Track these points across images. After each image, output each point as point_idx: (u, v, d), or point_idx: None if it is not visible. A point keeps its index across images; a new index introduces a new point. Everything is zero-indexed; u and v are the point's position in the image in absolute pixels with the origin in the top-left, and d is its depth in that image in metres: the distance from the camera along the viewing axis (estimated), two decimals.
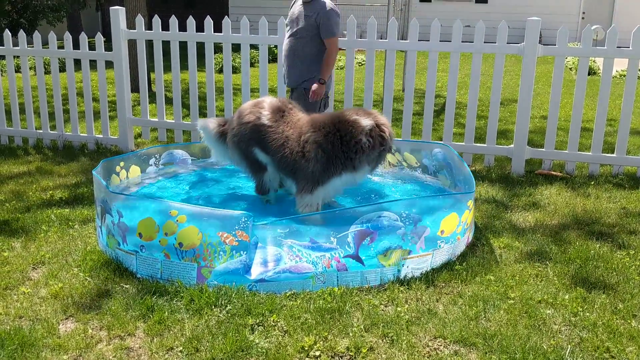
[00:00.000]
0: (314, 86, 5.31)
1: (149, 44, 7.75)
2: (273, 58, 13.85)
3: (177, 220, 3.70)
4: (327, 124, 4.35)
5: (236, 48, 6.68)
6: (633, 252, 4.21)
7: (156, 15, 6.84)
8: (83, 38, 6.84)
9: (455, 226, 3.99)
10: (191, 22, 6.61)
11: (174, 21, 6.65)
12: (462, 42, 6.02)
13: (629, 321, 3.33)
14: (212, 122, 5.00)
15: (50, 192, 5.48)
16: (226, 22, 6.54)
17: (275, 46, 6.70)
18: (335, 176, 4.34)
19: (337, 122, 4.34)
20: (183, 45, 6.83)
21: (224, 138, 4.92)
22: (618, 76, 12.33)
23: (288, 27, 5.59)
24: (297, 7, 5.48)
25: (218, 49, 7.67)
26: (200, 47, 6.78)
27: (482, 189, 5.55)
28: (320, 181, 4.35)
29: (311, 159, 4.31)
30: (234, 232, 3.66)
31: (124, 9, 6.91)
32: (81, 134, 7.17)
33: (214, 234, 3.66)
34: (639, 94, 9.64)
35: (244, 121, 4.67)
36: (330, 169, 4.31)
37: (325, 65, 5.36)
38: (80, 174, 6.08)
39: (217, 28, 6.60)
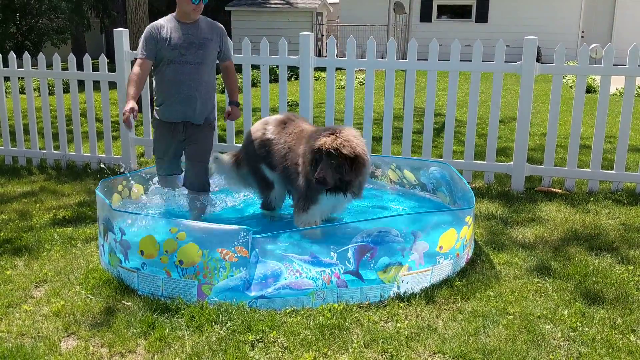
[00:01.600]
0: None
1: None
2: (274, 78, 14.01)
3: (177, 238, 3.74)
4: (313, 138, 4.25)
5: (238, 69, 6.76)
6: (632, 267, 4.23)
7: None
8: (87, 59, 6.94)
9: (453, 242, 4.01)
10: None
11: None
12: (460, 61, 6.10)
13: (628, 336, 3.34)
14: (226, 155, 5.06)
15: (54, 211, 5.53)
16: (229, 43, 6.62)
17: (277, 66, 6.77)
18: (322, 194, 4.25)
19: (311, 137, 4.24)
20: None
21: (238, 165, 4.96)
22: (618, 94, 12.41)
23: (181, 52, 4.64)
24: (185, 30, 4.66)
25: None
26: None
27: (482, 205, 5.58)
28: (311, 199, 4.28)
29: (300, 173, 4.34)
30: (233, 248, 3.70)
31: (127, 30, 7.02)
32: (84, 154, 7.24)
33: (214, 251, 3.70)
34: (638, 111, 9.71)
35: (251, 138, 4.76)
36: (314, 187, 4.18)
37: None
38: (83, 194, 6.13)
39: None
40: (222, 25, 5.00)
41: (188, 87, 4.66)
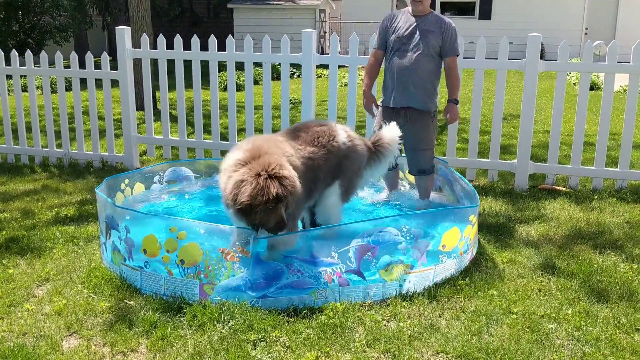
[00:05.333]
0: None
1: (155, 63, 7.84)
2: (277, 76, 13.96)
3: (177, 237, 3.73)
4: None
5: (241, 66, 6.75)
6: (636, 266, 4.20)
7: (161, 35, 6.92)
8: (89, 57, 6.93)
9: (457, 241, 3.99)
10: (195, 40, 6.69)
11: (178, 40, 6.74)
12: (464, 58, 6.06)
13: (632, 335, 3.32)
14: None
15: (56, 209, 5.53)
16: (230, 40, 6.62)
17: (279, 64, 6.75)
18: None
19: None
20: (189, 64, 6.89)
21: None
22: (622, 91, 12.34)
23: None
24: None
25: (223, 67, 7.76)
26: (206, 65, 6.85)
27: (485, 203, 5.55)
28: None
29: None
30: (234, 248, 3.69)
31: (129, 28, 7.01)
32: (87, 152, 7.24)
33: (215, 250, 3.69)
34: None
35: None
36: None
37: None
38: (85, 192, 6.12)
39: (222, 47, 6.67)
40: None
41: None
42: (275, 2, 22.68)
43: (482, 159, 6.35)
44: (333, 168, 4.19)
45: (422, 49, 4.82)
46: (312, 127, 4.27)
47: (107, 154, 7.16)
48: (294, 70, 16.34)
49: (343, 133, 4.32)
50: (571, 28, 20.35)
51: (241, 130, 8.10)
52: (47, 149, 7.31)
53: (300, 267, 3.68)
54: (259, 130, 7.62)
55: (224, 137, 7.37)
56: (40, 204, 5.74)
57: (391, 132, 4.58)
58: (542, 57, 6.04)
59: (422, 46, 4.81)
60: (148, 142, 7.22)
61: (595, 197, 5.71)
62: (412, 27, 4.86)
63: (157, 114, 9.11)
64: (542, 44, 20.84)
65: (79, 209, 5.54)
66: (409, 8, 4.97)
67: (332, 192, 4.25)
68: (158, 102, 10.22)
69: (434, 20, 4.87)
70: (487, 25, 20.68)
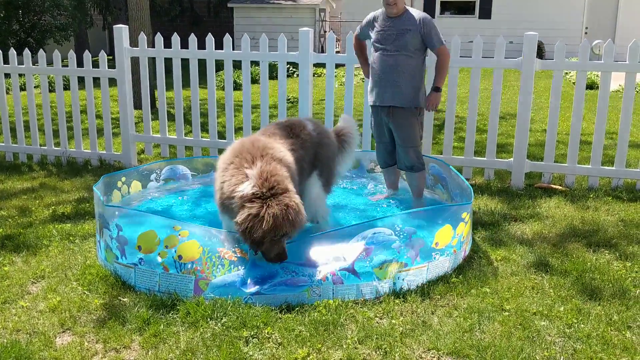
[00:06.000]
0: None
1: (154, 62, 7.86)
2: (276, 74, 13.97)
3: (179, 235, 3.76)
4: None
5: (240, 65, 6.76)
6: (630, 264, 4.21)
7: (159, 33, 6.94)
8: (87, 56, 6.95)
9: (449, 238, 4.00)
10: (193, 39, 6.70)
11: (176, 39, 6.75)
12: (460, 57, 6.08)
13: (624, 332, 3.33)
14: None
15: (53, 207, 5.54)
16: (227, 39, 6.63)
17: (276, 62, 6.76)
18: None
19: None
20: (188, 63, 6.89)
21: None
22: (621, 90, 12.33)
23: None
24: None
25: (222, 66, 7.76)
26: (204, 64, 6.85)
27: (481, 202, 5.56)
28: None
29: None
30: (233, 250, 3.72)
31: (127, 27, 7.02)
32: (85, 150, 7.26)
33: (214, 249, 3.71)
34: (638, 107, 9.66)
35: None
36: None
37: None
38: (83, 190, 6.14)
39: (222, 46, 6.67)
40: None
41: None
42: (275, 2, 22.68)
43: (478, 158, 6.35)
44: (311, 158, 4.34)
45: (401, 48, 4.91)
46: (281, 123, 4.44)
47: (105, 152, 7.18)
48: (294, 69, 16.34)
49: (309, 123, 4.51)
50: (571, 27, 20.32)
51: (239, 129, 8.11)
52: (46, 148, 7.32)
53: (295, 268, 3.71)
54: (256, 129, 7.61)
55: (221, 135, 7.38)
56: (37, 201, 5.76)
57: (348, 122, 4.96)
58: (541, 57, 6.10)
59: (400, 45, 4.91)
60: (146, 141, 7.24)
61: (591, 195, 5.71)
62: (389, 28, 4.96)
63: (155, 113, 9.13)
64: (542, 44, 20.92)
65: (75, 207, 5.56)
66: (384, 10, 5.03)
67: (313, 183, 4.35)
68: (157, 101, 10.22)
69: (409, 18, 4.94)
70: (487, 24, 20.66)
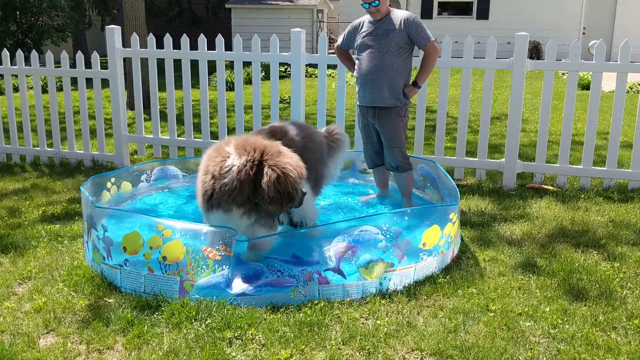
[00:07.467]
0: None
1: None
2: (267, 75, 13.96)
3: (162, 235, 3.74)
4: None
5: (230, 66, 6.76)
6: (618, 264, 4.20)
7: (151, 34, 6.94)
8: (79, 57, 6.95)
9: (437, 239, 4.00)
10: (185, 40, 6.70)
11: (168, 39, 6.75)
12: (452, 57, 6.07)
13: (609, 333, 3.32)
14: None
15: (43, 208, 5.54)
16: (219, 39, 6.62)
17: (269, 64, 6.75)
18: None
19: None
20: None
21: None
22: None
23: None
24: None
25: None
26: (197, 65, 6.84)
27: (472, 202, 5.56)
28: None
29: None
30: (217, 247, 3.70)
31: (119, 27, 7.02)
32: (78, 151, 7.25)
33: (198, 249, 3.70)
34: (632, 107, 9.65)
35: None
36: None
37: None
38: (74, 191, 6.14)
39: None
40: None
41: None
42: (273, 2, 22.68)
43: (470, 158, 6.35)
44: None
45: (386, 48, 4.89)
46: (263, 130, 4.38)
47: (98, 153, 7.18)
48: (290, 70, 16.33)
49: (292, 128, 4.43)
50: (569, 28, 20.30)
51: (232, 130, 8.10)
52: (39, 148, 7.32)
53: (281, 267, 3.70)
54: (249, 129, 7.61)
55: (214, 135, 7.37)
56: (28, 202, 5.75)
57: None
58: (539, 57, 6.07)
59: (385, 45, 4.89)
60: (138, 141, 7.24)
61: (582, 196, 5.71)
62: (374, 29, 4.95)
63: (148, 113, 9.13)
64: (539, 44, 20.76)
65: (66, 207, 5.56)
66: (369, 16, 5.03)
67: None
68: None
69: (393, 19, 4.92)
70: (484, 25, 20.65)
